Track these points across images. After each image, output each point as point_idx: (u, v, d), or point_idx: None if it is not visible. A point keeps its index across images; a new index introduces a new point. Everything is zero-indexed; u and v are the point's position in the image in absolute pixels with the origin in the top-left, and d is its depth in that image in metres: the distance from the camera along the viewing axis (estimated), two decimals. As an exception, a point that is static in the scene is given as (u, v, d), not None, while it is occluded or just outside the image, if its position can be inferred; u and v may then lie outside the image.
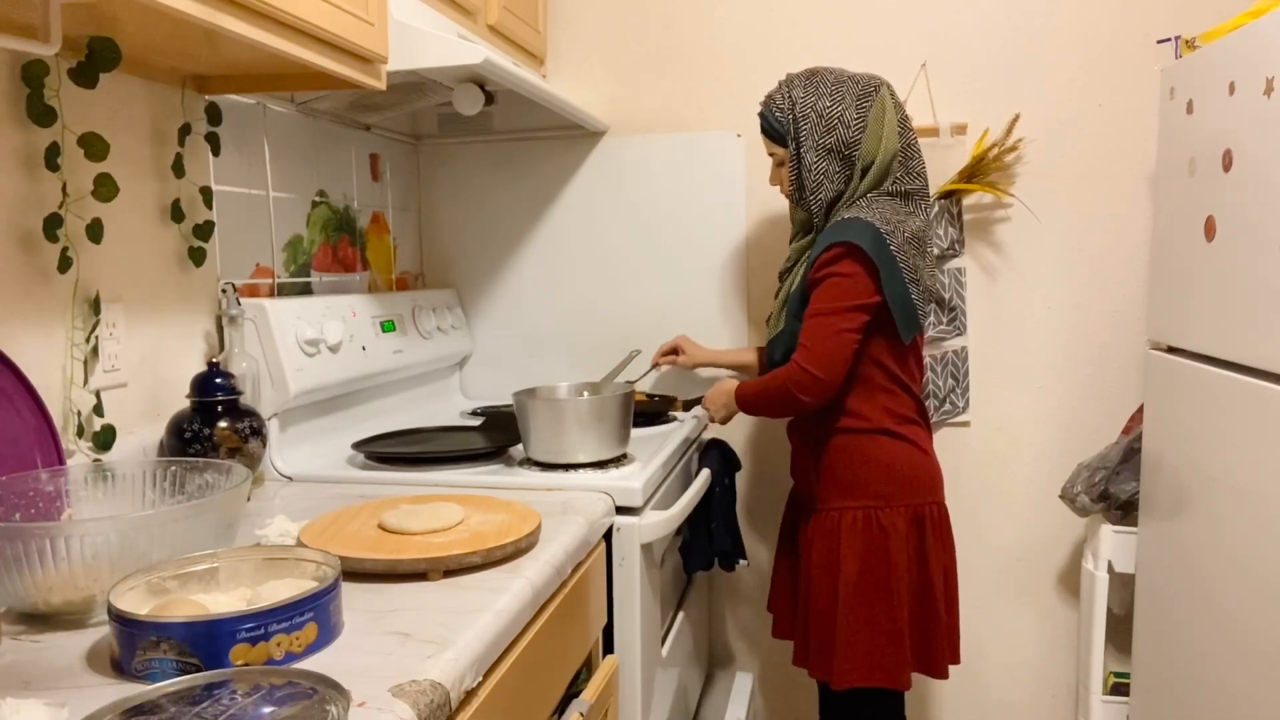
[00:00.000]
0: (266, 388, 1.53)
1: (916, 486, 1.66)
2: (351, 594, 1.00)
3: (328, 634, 0.87)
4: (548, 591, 1.12)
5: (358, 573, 1.05)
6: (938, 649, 1.66)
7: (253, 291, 1.64)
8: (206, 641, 0.79)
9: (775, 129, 1.69)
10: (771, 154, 1.73)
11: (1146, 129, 2.02)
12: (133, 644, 0.80)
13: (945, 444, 2.16)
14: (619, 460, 1.58)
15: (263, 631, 0.81)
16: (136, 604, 0.86)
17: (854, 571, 1.63)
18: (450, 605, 0.98)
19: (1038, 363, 2.12)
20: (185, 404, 1.36)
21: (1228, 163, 1.48)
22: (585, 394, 1.74)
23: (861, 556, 1.63)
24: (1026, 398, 2.13)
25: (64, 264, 1.22)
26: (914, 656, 1.65)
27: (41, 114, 1.17)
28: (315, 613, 0.85)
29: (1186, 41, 1.80)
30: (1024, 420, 2.14)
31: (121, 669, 0.82)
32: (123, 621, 0.80)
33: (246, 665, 0.79)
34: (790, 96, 1.66)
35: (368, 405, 1.89)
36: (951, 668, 1.69)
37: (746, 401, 1.71)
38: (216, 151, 1.54)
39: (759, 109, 1.73)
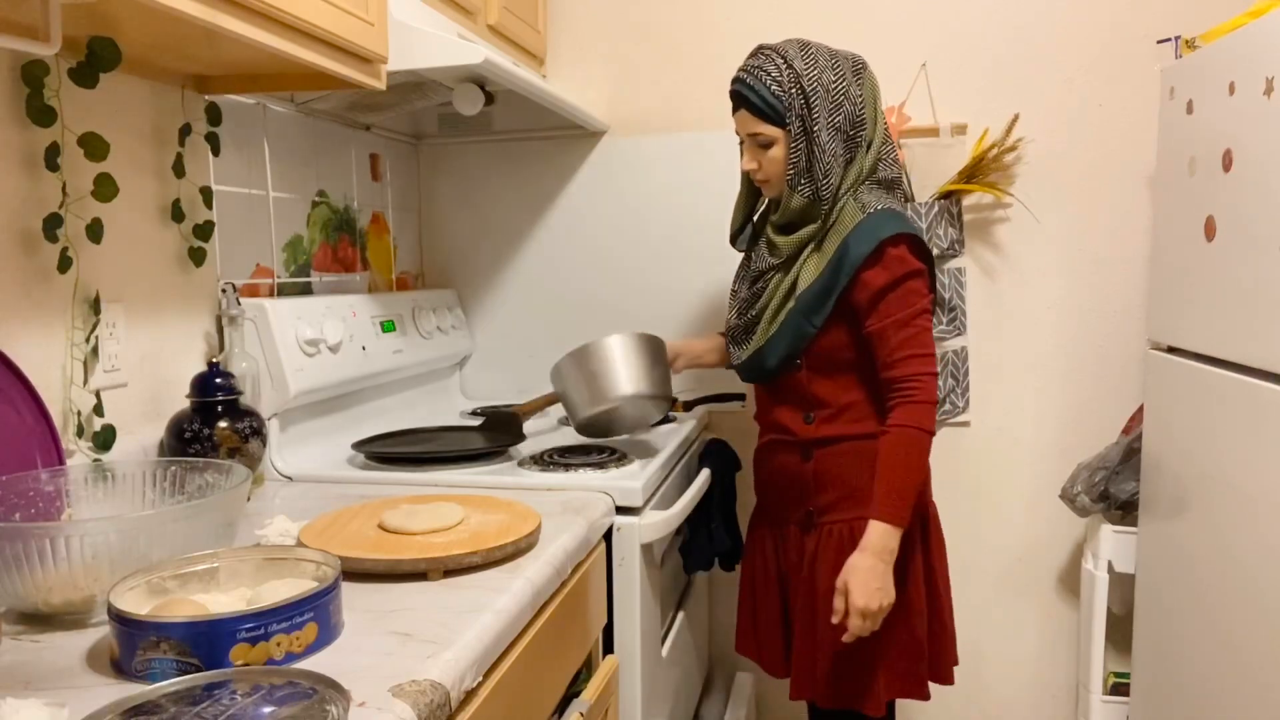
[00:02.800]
0: (266, 388, 1.53)
1: (924, 486, 1.58)
2: (351, 594, 1.00)
3: (328, 634, 0.87)
4: (548, 591, 1.12)
5: (358, 573, 1.05)
6: (945, 655, 1.60)
7: (253, 291, 1.64)
8: (206, 641, 0.79)
9: (772, 105, 1.48)
10: (754, 134, 1.51)
11: (1146, 129, 2.02)
12: (133, 644, 0.80)
13: (945, 444, 2.16)
14: (619, 460, 1.58)
15: (263, 631, 0.81)
16: (136, 604, 0.86)
17: None
18: (450, 605, 0.98)
19: (1038, 363, 2.12)
20: (185, 404, 1.36)
21: (1228, 163, 1.48)
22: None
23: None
24: (1026, 398, 2.13)
25: (64, 264, 1.22)
26: (929, 664, 1.58)
27: (41, 114, 1.17)
28: (315, 613, 0.85)
29: (1186, 41, 1.80)
30: (1024, 420, 2.14)
31: (121, 669, 0.82)
32: (123, 621, 0.80)
33: (246, 665, 0.80)
34: (791, 68, 1.47)
35: (368, 405, 1.89)
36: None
37: (903, 507, 1.45)
38: (216, 151, 1.54)
39: (738, 84, 1.52)
